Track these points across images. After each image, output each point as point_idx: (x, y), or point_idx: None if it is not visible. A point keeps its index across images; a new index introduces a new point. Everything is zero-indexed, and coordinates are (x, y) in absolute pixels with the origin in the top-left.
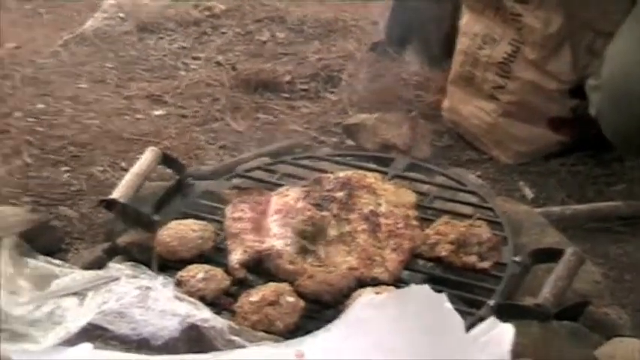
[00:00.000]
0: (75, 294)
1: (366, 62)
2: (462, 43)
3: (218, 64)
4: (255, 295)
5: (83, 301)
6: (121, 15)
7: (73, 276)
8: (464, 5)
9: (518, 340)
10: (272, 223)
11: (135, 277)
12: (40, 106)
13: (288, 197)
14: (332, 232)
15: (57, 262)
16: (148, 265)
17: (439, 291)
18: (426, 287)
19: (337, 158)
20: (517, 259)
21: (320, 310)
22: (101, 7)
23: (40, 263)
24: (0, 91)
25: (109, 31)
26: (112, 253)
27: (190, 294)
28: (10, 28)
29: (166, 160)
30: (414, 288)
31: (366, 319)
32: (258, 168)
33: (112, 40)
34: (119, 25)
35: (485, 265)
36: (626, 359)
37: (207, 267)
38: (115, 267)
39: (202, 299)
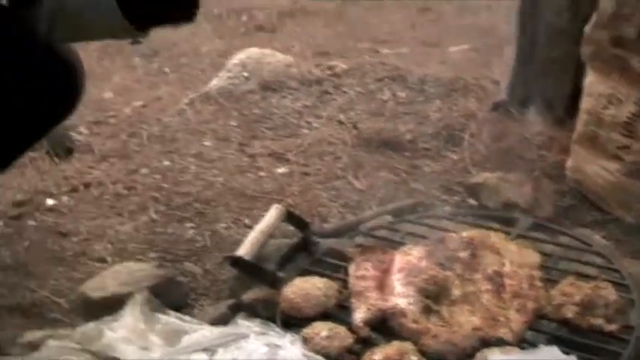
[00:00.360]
0: (205, 350)
1: (488, 121)
2: (586, 102)
3: (340, 122)
4: (378, 354)
5: (213, 357)
6: (245, 74)
7: (203, 332)
8: (588, 66)
9: None
10: (395, 281)
11: (263, 334)
12: (166, 163)
13: (412, 256)
14: (456, 292)
15: (187, 317)
16: (272, 321)
17: (566, 353)
18: (555, 348)
19: (460, 217)
20: None
21: None
22: (225, 66)
23: (170, 319)
24: (127, 148)
25: (233, 89)
26: (237, 310)
27: (314, 351)
28: (137, 86)
29: (290, 217)
30: (543, 349)
31: None
32: (381, 226)
33: (235, 98)
34: (243, 84)
35: (612, 327)
36: None
37: (330, 324)
38: (244, 324)
39: (326, 357)
